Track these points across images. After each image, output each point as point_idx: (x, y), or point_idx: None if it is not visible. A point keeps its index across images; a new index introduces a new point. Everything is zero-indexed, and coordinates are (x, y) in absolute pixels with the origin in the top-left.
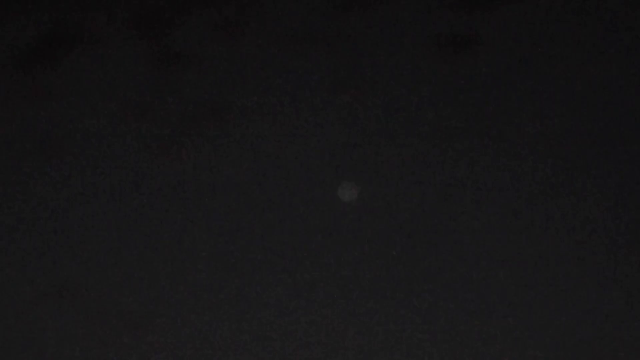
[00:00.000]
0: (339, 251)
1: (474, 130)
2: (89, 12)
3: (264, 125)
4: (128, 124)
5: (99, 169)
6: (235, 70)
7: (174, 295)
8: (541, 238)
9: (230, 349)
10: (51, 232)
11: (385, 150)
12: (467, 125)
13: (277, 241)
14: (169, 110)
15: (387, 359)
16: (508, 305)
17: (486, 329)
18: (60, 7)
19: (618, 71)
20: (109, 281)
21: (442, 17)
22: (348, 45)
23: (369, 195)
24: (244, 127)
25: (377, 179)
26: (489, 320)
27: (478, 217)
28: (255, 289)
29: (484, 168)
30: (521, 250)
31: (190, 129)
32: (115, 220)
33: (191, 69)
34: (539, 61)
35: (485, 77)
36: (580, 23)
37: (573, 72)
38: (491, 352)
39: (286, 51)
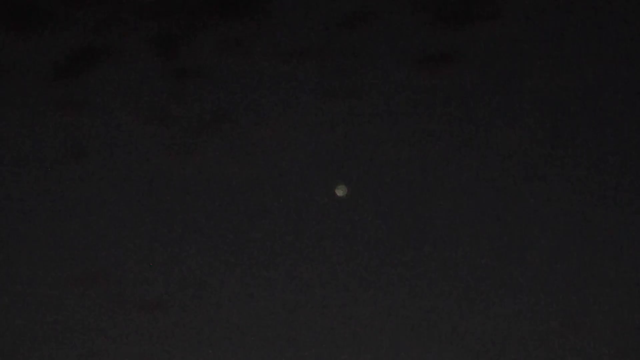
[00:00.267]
0: (330, 235)
1: (451, 135)
2: (115, 32)
3: (266, 129)
4: (148, 128)
5: (123, 169)
6: (241, 82)
7: (185, 282)
8: (514, 229)
9: (235, 329)
10: (81, 226)
11: (372, 152)
12: (444, 131)
13: (277, 231)
14: (184, 116)
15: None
16: (483, 288)
17: (468, 318)
18: (91, 28)
19: (584, 82)
20: (129, 269)
21: (423, 35)
22: (339, 61)
23: (359, 190)
24: (249, 131)
25: (366, 176)
26: (472, 305)
27: (453, 209)
28: (258, 275)
29: (460, 168)
30: (496, 238)
31: (203, 133)
32: (136, 215)
33: (203, 81)
34: (511, 74)
35: (461, 88)
36: (548, 40)
37: (542, 83)
38: (476, 341)
39: (285, 65)
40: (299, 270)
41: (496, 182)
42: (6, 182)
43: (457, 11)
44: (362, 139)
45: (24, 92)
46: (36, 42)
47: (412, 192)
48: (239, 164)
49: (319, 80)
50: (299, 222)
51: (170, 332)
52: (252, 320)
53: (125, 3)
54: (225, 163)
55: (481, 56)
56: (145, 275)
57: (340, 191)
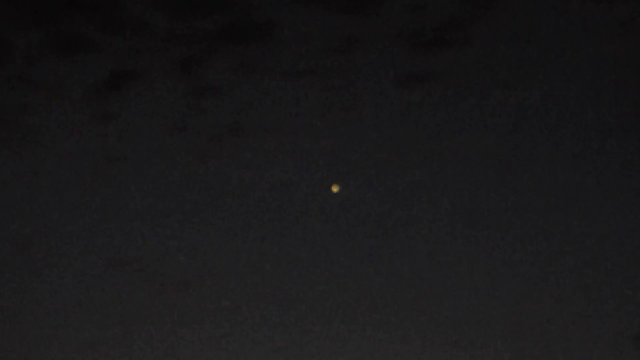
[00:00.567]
0: (327, 227)
1: (427, 142)
2: (144, 57)
3: (272, 138)
4: (171, 137)
5: (150, 171)
6: (251, 98)
7: (204, 267)
8: (481, 227)
9: (252, 309)
10: (116, 220)
11: (364, 156)
12: (422, 138)
13: (282, 223)
14: (202, 128)
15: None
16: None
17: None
18: (124, 53)
19: (538, 97)
20: (158, 255)
21: (404, 59)
22: (335, 80)
23: (353, 190)
24: (257, 140)
25: (358, 176)
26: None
27: (429, 207)
28: (266, 261)
29: (434, 171)
30: (466, 238)
31: (218, 141)
32: (161, 211)
33: (218, 98)
34: (476, 91)
35: (435, 103)
36: (508, 62)
37: (504, 99)
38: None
39: (288, 84)
40: (301, 257)
41: (465, 182)
42: (53, 182)
43: (431, 38)
44: (355, 146)
45: (68, 106)
46: (79, 65)
47: (397, 190)
48: (249, 168)
49: (317, 97)
50: (301, 217)
51: (192, 309)
52: (261, 300)
53: (153, 32)
54: (237, 167)
55: (452, 76)
56: (170, 260)
57: (336, 189)
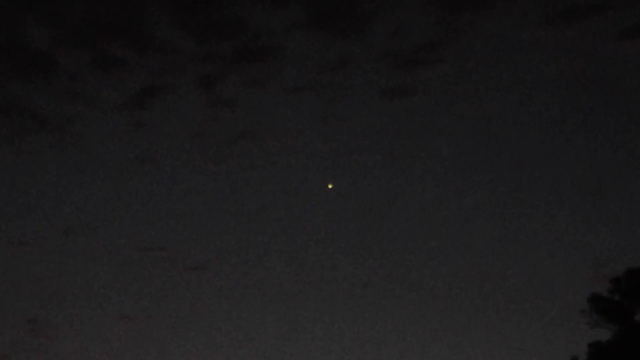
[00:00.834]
0: (323, 217)
1: (410, 147)
2: (170, 74)
3: (277, 142)
4: (192, 141)
5: (174, 170)
6: (260, 109)
7: (222, 252)
8: (454, 219)
9: (259, 287)
10: (145, 212)
11: (355, 158)
12: (404, 143)
13: (286, 214)
14: (218, 133)
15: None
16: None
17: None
18: (154, 70)
19: (503, 108)
20: (181, 242)
21: (387, 75)
22: (330, 93)
23: (345, 186)
24: (265, 144)
25: (349, 174)
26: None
27: (412, 202)
28: (273, 247)
29: (416, 171)
30: (444, 227)
31: (232, 145)
32: (183, 204)
33: (232, 108)
34: (449, 103)
35: (415, 113)
36: (478, 78)
37: (473, 109)
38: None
39: (291, 96)
40: (301, 244)
41: (441, 180)
42: (92, 179)
43: (411, 58)
44: (347, 149)
45: (106, 116)
46: (116, 80)
47: (383, 186)
48: (258, 167)
49: (315, 107)
50: (302, 209)
51: (209, 287)
52: (269, 278)
53: (178, 53)
54: (248, 167)
55: (428, 90)
56: (191, 246)
57: (331, 185)
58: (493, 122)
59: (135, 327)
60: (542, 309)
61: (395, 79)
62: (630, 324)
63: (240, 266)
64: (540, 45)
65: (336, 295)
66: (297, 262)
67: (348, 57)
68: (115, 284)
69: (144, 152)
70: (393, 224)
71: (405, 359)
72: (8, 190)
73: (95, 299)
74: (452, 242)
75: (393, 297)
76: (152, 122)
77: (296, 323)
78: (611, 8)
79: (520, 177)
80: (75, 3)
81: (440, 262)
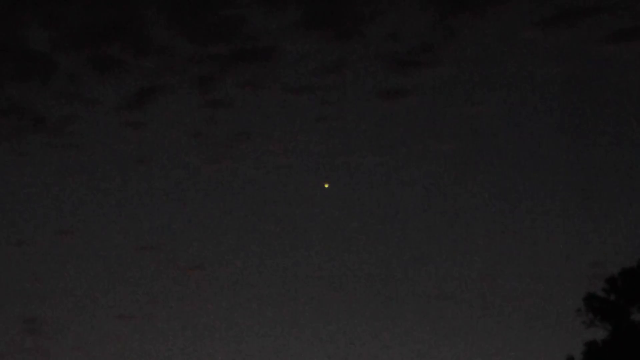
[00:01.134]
0: (318, 215)
1: (406, 146)
2: (168, 74)
3: (274, 142)
4: (190, 141)
5: (172, 169)
6: (256, 109)
7: (219, 251)
8: (450, 215)
9: (259, 285)
10: (143, 211)
11: (351, 157)
12: (400, 143)
13: (281, 212)
14: (215, 133)
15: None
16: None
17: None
18: (152, 72)
19: (494, 108)
20: (178, 241)
21: (385, 76)
22: (326, 94)
23: (341, 185)
24: (262, 144)
25: (345, 174)
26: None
27: (409, 200)
28: (269, 245)
29: (411, 169)
30: (443, 224)
31: (229, 145)
32: (181, 203)
33: (229, 109)
34: (445, 103)
35: (411, 113)
36: (471, 79)
37: (466, 109)
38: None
39: (288, 97)
40: (300, 244)
41: (437, 178)
42: (91, 179)
43: (407, 60)
44: (344, 148)
45: (104, 116)
46: (114, 81)
47: (379, 184)
48: (255, 167)
49: (312, 108)
50: (298, 207)
51: (206, 285)
52: (266, 276)
53: (175, 55)
54: (244, 166)
55: (424, 90)
56: (189, 245)
57: (327, 184)
58: (489, 123)
59: (133, 326)
60: (538, 308)
61: (392, 80)
62: (626, 323)
63: (238, 265)
64: (535, 46)
65: (335, 294)
66: (295, 261)
67: (345, 58)
68: (113, 283)
69: (141, 152)
70: (389, 224)
71: (404, 359)
72: (5, 190)
73: (93, 298)
74: (448, 243)
75: (391, 297)
76: (150, 123)
77: (294, 322)
78: (605, 10)
79: (515, 178)
80: (74, 5)
81: (438, 262)
